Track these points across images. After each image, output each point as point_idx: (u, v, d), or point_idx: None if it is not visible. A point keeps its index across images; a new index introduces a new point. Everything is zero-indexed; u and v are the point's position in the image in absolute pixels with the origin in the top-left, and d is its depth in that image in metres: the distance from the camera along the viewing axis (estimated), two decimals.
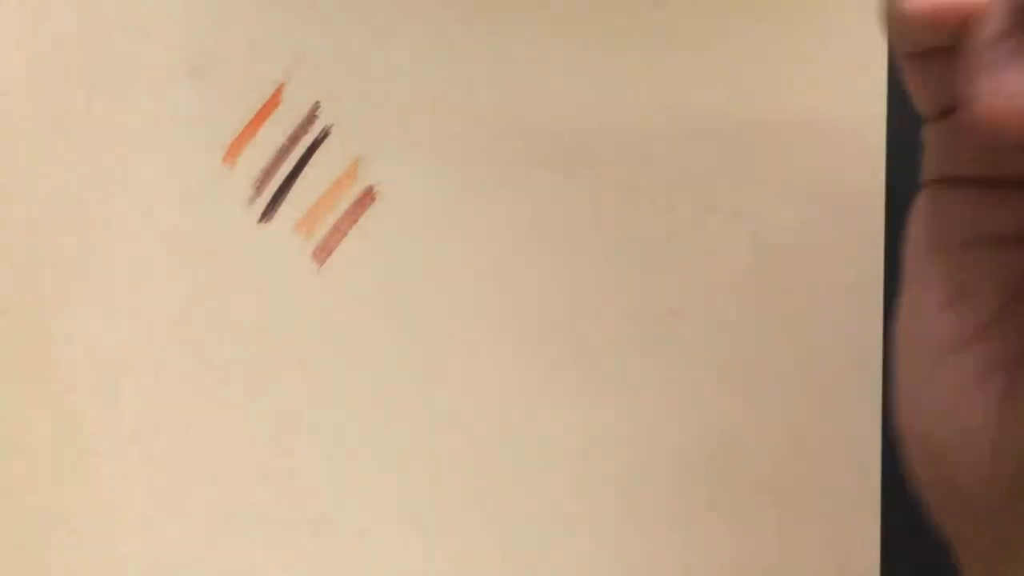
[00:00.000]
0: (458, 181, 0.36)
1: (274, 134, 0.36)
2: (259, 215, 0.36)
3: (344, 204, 0.36)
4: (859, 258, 0.39)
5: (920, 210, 0.26)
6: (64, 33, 0.35)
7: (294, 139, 0.36)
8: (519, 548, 0.36)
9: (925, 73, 0.25)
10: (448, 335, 0.36)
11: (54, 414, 0.35)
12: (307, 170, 0.36)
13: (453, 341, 0.36)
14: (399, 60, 0.36)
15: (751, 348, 0.35)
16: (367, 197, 0.36)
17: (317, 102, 0.36)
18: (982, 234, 0.25)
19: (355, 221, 0.36)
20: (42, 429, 0.35)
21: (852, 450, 0.33)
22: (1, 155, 0.35)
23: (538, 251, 0.36)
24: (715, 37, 0.38)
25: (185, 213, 0.35)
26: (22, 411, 0.35)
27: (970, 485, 0.25)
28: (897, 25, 0.25)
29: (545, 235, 0.36)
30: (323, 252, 0.36)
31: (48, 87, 0.35)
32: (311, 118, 0.36)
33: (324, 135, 0.36)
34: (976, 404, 0.25)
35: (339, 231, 0.36)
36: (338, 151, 0.35)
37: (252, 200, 0.36)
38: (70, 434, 0.35)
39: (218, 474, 0.36)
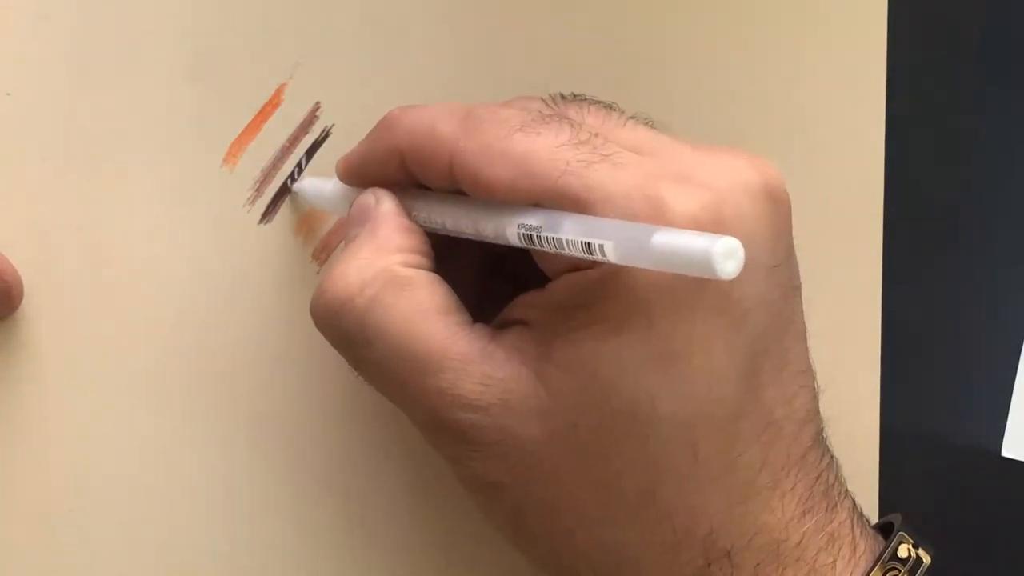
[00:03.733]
0: None
1: (274, 134, 0.36)
2: (259, 216, 0.36)
3: None
4: (859, 258, 0.39)
5: None
6: (66, 34, 0.35)
7: (294, 139, 0.36)
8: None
9: None
10: None
11: (50, 413, 0.35)
12: (307, 170, 0.36)
13: None
14: (399, 60, 0.36)
15: None
16: None
17: (317, 102, 0.36)
18: None
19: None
20: (37, 427, 0.35)
21: (851, 449, 0.33)
22: (4, 154, 0.35)
23: None
24: (715, 39, 0.38)
25: (185, 213, 0.35)
26: (18, 408, 0.35)
27: None
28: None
29: None
30: (323, 252, 0.36)
31: (50, 87, 0.35)
32: (311, 118, 0.36)
33: (324, 135, 0.36)
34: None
35: (339, 231, 0.36)
36: (338, 151, 0.35)
37: (252, 200, 0.36)
38: (67, 433, 0.35)
39: (218, 473, 0.36)
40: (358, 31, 0.36)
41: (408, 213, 0.32)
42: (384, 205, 0.32)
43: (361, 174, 0.33)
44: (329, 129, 0.36)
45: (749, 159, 0.30)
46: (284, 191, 0.36)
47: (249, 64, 0.36)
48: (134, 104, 0.35)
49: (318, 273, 0.36)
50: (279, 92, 0.36)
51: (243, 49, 0.35)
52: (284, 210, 0.36)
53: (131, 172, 0.35)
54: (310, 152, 0.36)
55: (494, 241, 0.30)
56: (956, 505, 0.40)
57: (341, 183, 0.34)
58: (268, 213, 0.36)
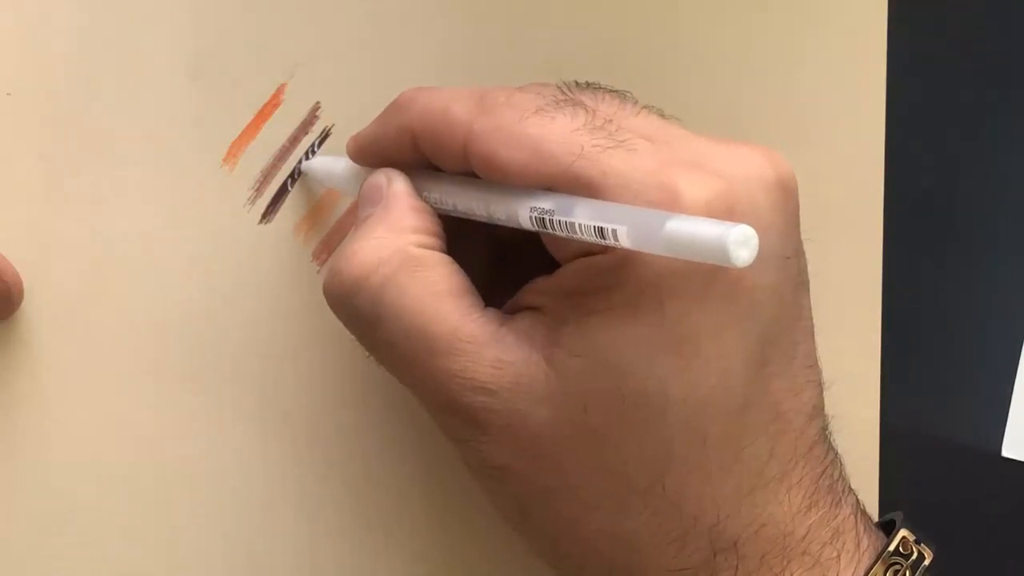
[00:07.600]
0: None
1: (274, 134, 0.36)
2: (259, 216, 0.36)
3: (344, 204, 0.36)
4: (859, 257, 0.39)
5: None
6: (66, 34, 0.35)
7: (294, 139, 0.36)
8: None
9: None
10: None
11: (50, 413, 0.35)
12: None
13: None
14: (399, 60, 0.36)
15: None
16: None
17: (317, 102, 0.36)
18: None
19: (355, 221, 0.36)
20: (37, 427, 0.35)
21: (851, 449, 0.33)
22: (4, 154, 0.35)
23: None
24: (714, 38, 0.38)
25: (185, 213, 0.35)
26: (18, 408, 0.35)
27: None
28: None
29: None
30: (323, 252, 0.36)
31: (50, 87, 0.35)
32: (311, 118, 0.36)
33: (324, 135, 0.36)
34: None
35: (339, 231, 0.36)
36: (338, 151, 0.35)
37: (252, 200, 0.36)
38: (67, 433, 0.35)
39: (219, 473, 0.36)
40: (358, 31, 0.36)
41: (419, 194, 0.32)
42: (396, 185, 0.32)
43: (372, 154, 0.33)
44: (329, 129, 0.36)
45: (762, 151, 0.30)
46: (284, 191, 0.36)
47: (249, 64, 0.36)
48: (134, 104, 0.35)
49: (318, 273, 0.36)
50: (279, 92, 0.36)
51: (243, 49, 0.36)
52: (284, 210, 0.36)
53: (131, 172, 0.35)
54: (310, 152, 0.36)
55: (505, 224, 0.30)
56: (956, 505, 0.40)
57: (352, 162, 0.34)
58: (268, 213, 0.36)
